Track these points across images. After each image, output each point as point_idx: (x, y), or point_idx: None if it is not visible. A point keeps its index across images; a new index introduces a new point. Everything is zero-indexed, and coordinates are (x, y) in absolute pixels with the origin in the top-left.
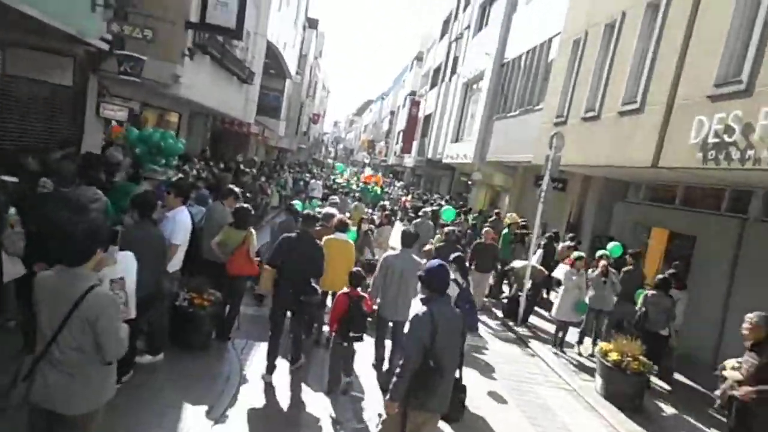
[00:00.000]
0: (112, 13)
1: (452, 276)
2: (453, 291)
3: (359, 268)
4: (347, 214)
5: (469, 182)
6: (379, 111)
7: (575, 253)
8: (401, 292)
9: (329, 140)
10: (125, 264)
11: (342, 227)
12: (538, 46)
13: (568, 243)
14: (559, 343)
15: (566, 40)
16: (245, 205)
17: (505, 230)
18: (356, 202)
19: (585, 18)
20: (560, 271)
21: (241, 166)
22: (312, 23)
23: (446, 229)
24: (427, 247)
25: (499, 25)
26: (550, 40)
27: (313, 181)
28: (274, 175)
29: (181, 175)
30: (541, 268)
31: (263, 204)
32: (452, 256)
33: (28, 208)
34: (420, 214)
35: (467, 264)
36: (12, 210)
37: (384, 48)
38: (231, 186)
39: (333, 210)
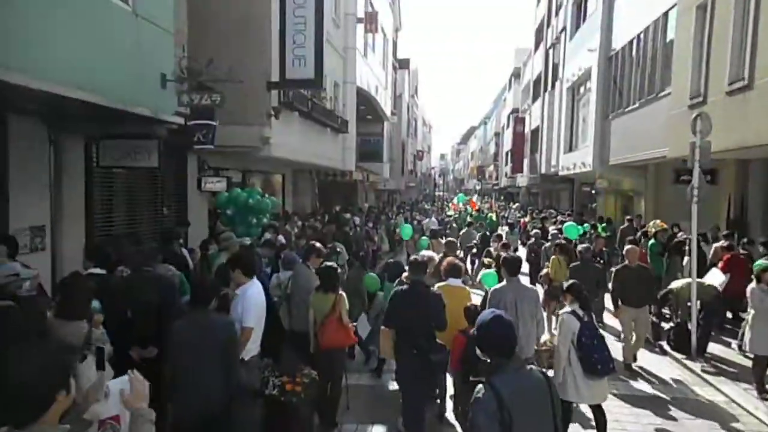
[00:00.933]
0: (185, 86)
1: (569, 308)
2: (574, 325)
3: (475, 303)
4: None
5: (593, 192)
6: (484, 136)
7: (761, 262)
8: (520, 327)
9: (436, 174)
10: (120, 397)
11: (454, 272)
12: (651, 25)
13: (722, 243)
14: (758, 382)
15: (687, 9)
16: (330, 264)
17: (651, 241)
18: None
19: None
20: (713, 277)
21: (344, 215)
22: (402, 64)
23: (580, 247)
24: (544, 271)
25: (599, 16)
26: (665, 14)
27: (427, 220)
28: (382, 218)
29: (280, 238)
30: (711, 283)
31: (371, 252)
32: (566, 284)
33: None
34: (549, 237)
35: (614, 298)
36: (96, 305)
37: (480, 72)
38: (313, 243)
39: (429, 253)
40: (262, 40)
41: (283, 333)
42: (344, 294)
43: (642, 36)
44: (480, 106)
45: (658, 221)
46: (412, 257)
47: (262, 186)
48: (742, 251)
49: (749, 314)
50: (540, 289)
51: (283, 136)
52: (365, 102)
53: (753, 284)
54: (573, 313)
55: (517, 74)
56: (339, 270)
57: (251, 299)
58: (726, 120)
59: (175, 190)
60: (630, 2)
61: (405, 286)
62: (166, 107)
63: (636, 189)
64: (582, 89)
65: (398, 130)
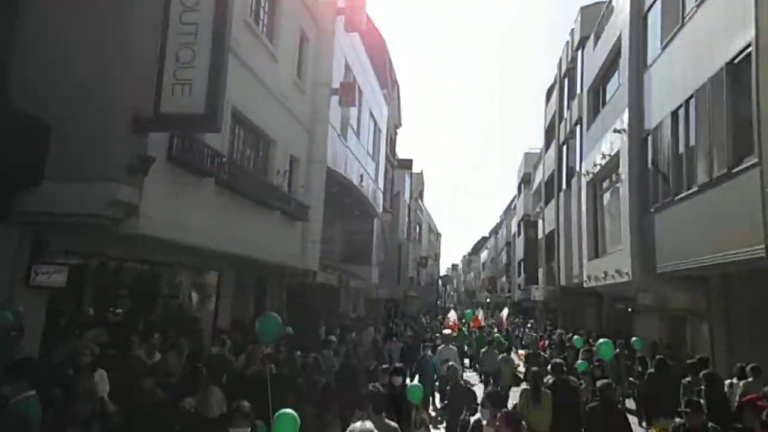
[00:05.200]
0: None
1: None
2: None
3: None
4: None
5: (629, 310)
6: (495, 246)
7: None
8: None
9: (439, 283)
10: None
11: None
12: (710, 79)
13: None
14: None
15: None
16: None
17: None
18: (503, 354)
19: None
20: None
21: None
22: (403, 163)
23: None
24: None
25: (624, 94)
26: (732, 61)
27: (441, 346)
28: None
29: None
30: None
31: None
32: None
33: None
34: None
35: None
36: None
37: (496, 180)
38: None
39: None
40: (123, 54)
41: None
42: None
43: (699, 93)
44: (492, 215)
45: None
46: None
47: (192, 286)
48: None
49: None
50: None
51: (180, 209)
52: (348, 193)
53: None
54: None
55: (527, 180)
56: None
57: None
58: None
59: None
60: (672, 65)
61: None
62: None
63: (692, 308)
64: (607, 182)
65: (394, 231)
